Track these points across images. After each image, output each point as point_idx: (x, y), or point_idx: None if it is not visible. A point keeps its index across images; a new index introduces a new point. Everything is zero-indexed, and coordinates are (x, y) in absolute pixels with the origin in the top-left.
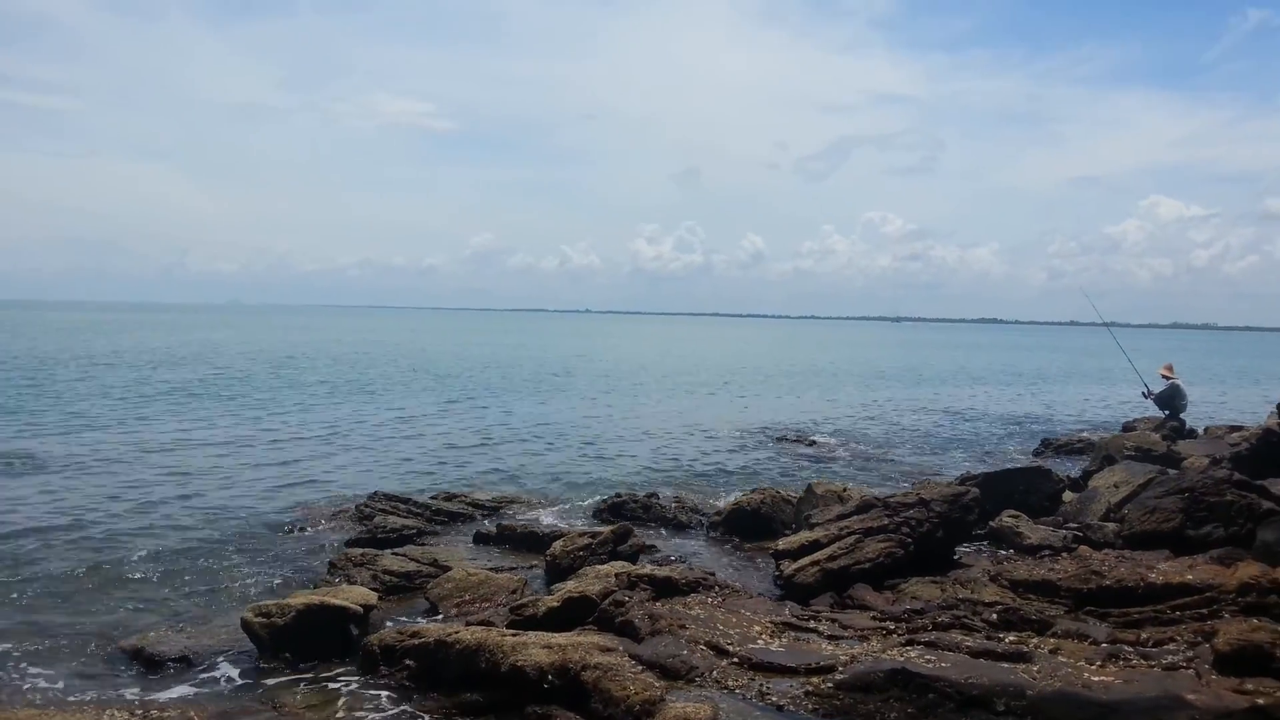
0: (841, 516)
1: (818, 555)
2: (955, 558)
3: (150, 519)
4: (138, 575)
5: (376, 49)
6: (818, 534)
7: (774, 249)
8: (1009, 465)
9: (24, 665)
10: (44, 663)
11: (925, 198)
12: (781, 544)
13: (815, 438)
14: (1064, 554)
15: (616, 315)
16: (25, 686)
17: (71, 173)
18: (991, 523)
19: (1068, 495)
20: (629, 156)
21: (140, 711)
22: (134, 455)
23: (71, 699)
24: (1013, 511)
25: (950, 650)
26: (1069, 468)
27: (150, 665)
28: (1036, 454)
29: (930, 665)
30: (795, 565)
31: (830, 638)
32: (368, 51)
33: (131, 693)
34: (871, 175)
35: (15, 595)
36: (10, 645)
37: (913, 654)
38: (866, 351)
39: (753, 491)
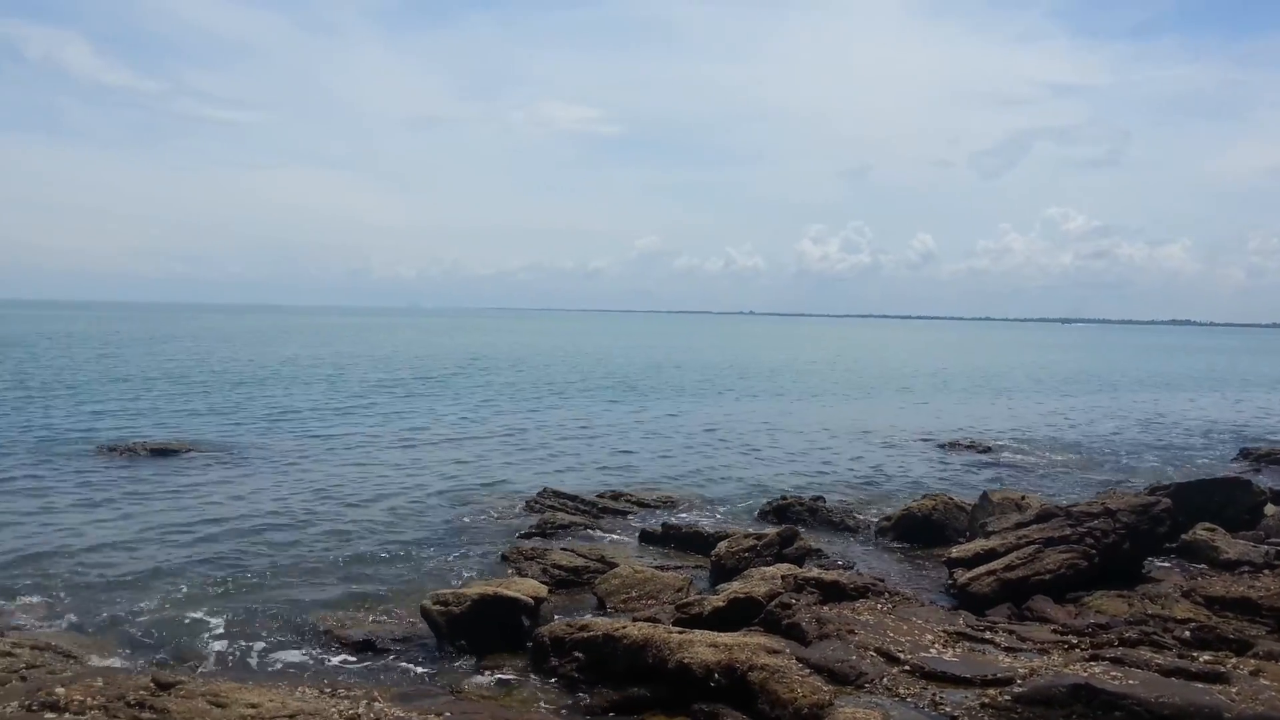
0: (1020, 525)
1: (994, 565)
2: (1144, 571)
3: (335, 510)
4: (324, 562)
5: (546, 57)
6: (994, 543)
7: (946, 248)
8: (1204, 476)
9: (223, 643)
10: (241, 641)
11: (1110, 193)
12: (955, 552)
13: (990, 443)
14: (1265, 571)
15: (780, 317)
16: (226, 662)
17: (262, 184)
18: (1184, 536)
19: (1270, 509)
20: (796, 156)
21: (329, 689)
22: (324, 452)
23: (267, 675)
24: (1208, 524)
25: (1138, 668)
26: (1272, 480)
27: (336, 647)
28: (1235, 464)
29: (1116, 682)
30: (970, 574)
31: (1008, 650)
32: (538, 60)
33: (320, 671)
34: (1050, 170)
35: (211, 579)
36: (209, 625)
37: (1097, 670)
38: (1046, 354)
39: (924, 497)
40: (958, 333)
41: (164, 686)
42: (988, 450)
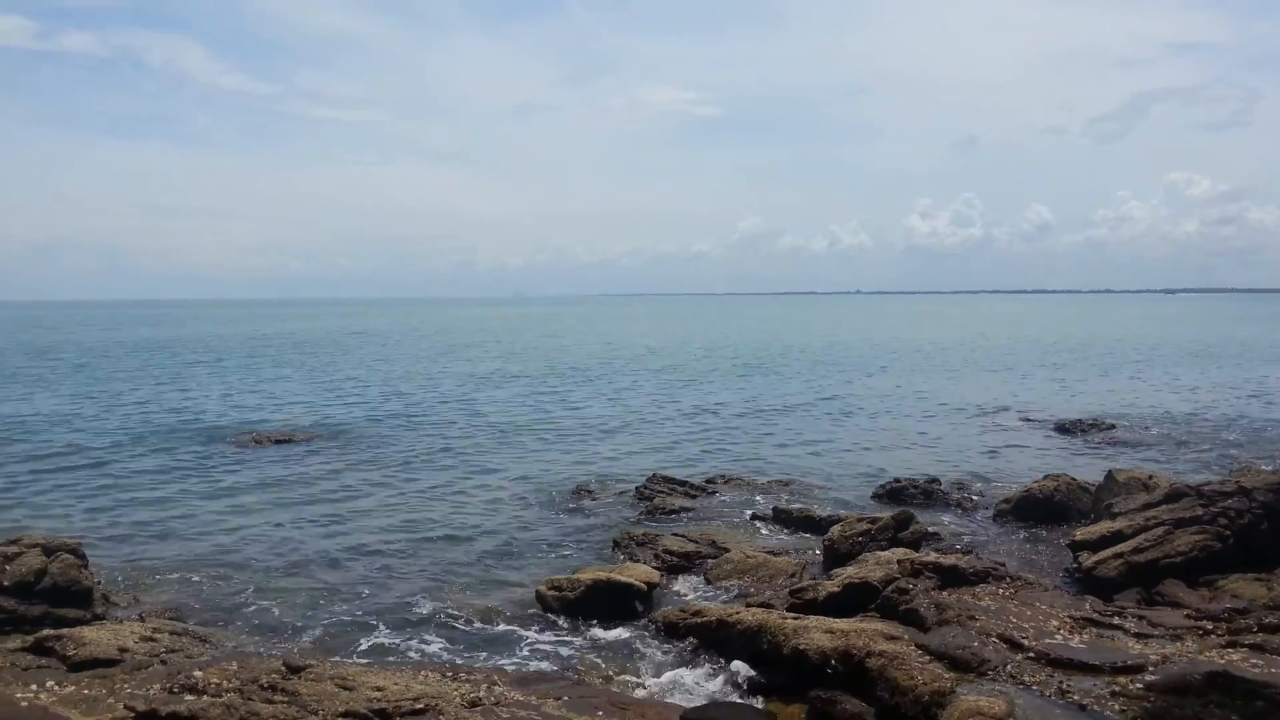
0: (1148, 506)
1: (1121, 547)
2: None
3: (452, 498)
4: (443, 549)
5: (642, 41)
6: (1120, 524)
7: (1062, 219)
8: None
9: (346, 629)
10: (367, 626)
11: (1238, 155)
12: (1079, 534)
13: (1114, 421)
14: None
15: (888, 295)
16: (351, 647)
17: (370, 180)
18: None
19: None
20: (901, 129)
21: (450, 674)
22: (443, 441)
23: (390, 659)
24: None
25: None
26: None
27: (455, 631)
28: None
29: (1257, 670)
30: (1095, 557)
31: (1138, 635)
32: (634, 44)
33: (441, 655)
34: (1173, 133)
35: (334, 566)
36: (334, 611)
37: (1235, 657)
38: (1169, 327)
39: (1045, 478)
40: (1075, 306)
41: (294, 670)
42: (1110, 428)
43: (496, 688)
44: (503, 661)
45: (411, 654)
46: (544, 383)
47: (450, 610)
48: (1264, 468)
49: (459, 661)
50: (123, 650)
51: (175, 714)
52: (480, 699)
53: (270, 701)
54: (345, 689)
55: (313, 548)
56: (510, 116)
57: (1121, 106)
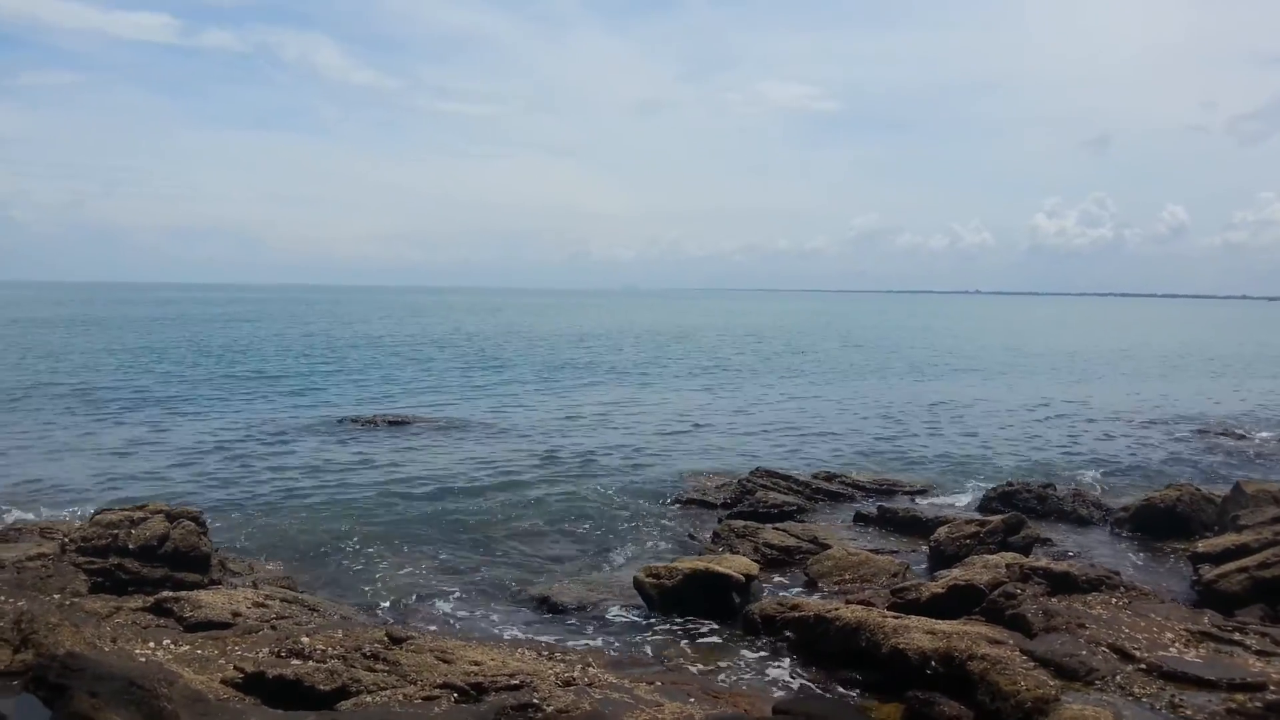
0: (1277, 520)
1: (1246, 561)
2: None
3: (554, 482)
4: (543, 532)
5: (762, 37)
6: (1246, 538)
7: (1198, 221)
8: None
9: (448, 604)
10: (467, 602)
11: None
12: (1202, 546)
13: (1245, 431)
14: None
15: (1009, 296)
16: (452, 622)
17: (490, 173)
18: None
19: None
20: (1028, 126)
21: (546, 652)
22: (549, 426)
23: (489, 636)
24: None
25: None
26: None
27: (553, 612)
28: None
29: None
30: (1218, 571)
31: (1259, 653)
32: (754, 40)
33: (538, 635)
34: None
35: (439, 543)
36: (438, 586)
37: None
38: None
39: (1168, 487)
40: (1211, 311)
41: (396, 641)
42: (1241, 438)
43: (591, 669)
44: (598, 644)
45: (510, 632)
46: (649, 368)
47: (550, 592)
48: None
49: (555, 642)
50: (235, 614)
51: (281, 677)
52: (574, 679)
53: (372, 670)
54: (444, 661)
55: (420, 525)
56: (628, 112)
57: (1267, 104)
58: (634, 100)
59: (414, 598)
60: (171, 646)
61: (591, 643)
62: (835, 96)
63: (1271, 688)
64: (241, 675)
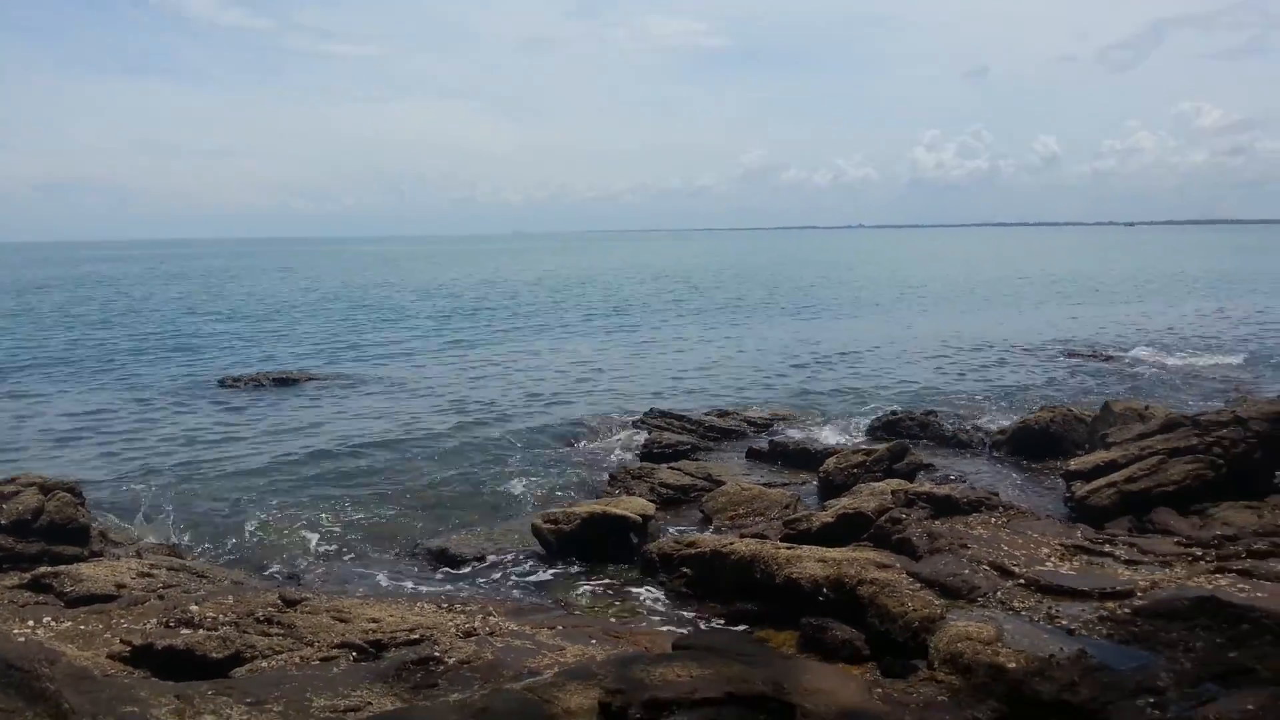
0: (1143, 436)
1: (1114, 476)
2: (1275, 481)
3: (447, 434)
4: (438, 484)
5: None
6: (1115, 454)
7: (1070, 150)
8: None
9: (347, 561)
10: (363, 560)
11: (1251, 84)
12: (1073, 464)
13: (1112, 352)
14: None
15: (892, 229)
16: (348, 580)
17: (374, 117)
18: None
19: None
20: (909, 61)
21: (445, 604)
22: (436, 377)
23: (387, 592)
24: None
25: (1268, 580)
26: None
27: (452, 564)
28: None
29: (1244, 594)
30: (1089, 486)
31: (1128, 562)
32: None
33: (437, 587)
34: (1186, 62)
35: (333, 501)
36: (333, 545)
37: (1223, 582)
38: (1173, 259)
39: (1041, 409)
40: (1080, 239)
41: (290, 603)
42: (1109, 359)
43: (491, 618)
44: (498, 593)
45: (408, 587)
46: (542, 315)
47: (449, 544)
48: (1261, 397)
49: (455, 593)
50: (120, 586)
51: (171, 648)
52: (475, 629)
53: (266, 634)
54: (341, 620)
55: (312, 484)
56: (516, 51)
57: (1136, 34)
58: (522, 38)
59: (308, 558)
60: (52, 624)
61: (492, 592)
62: (723, 33)
63: (1138, 594)
64: (129, 649)
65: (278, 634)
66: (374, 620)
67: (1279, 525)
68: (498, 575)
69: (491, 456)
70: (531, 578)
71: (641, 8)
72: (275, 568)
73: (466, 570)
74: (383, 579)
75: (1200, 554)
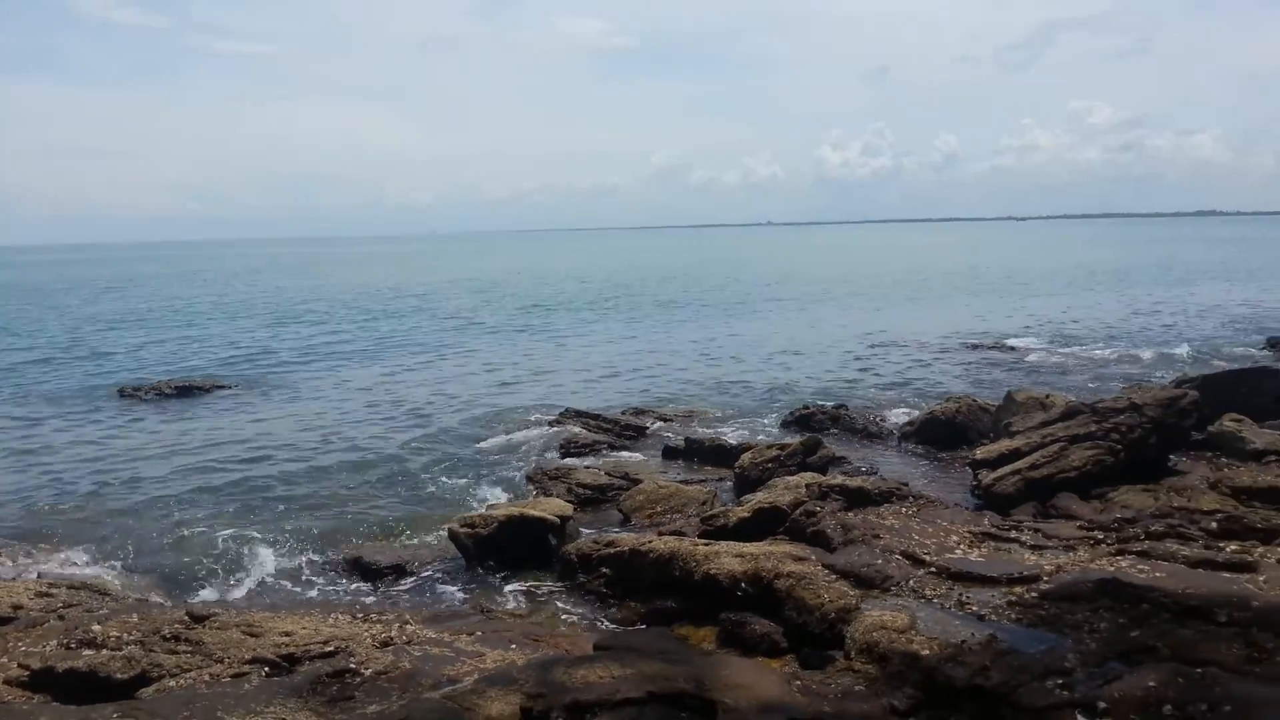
0: (1044, 424)
1: (1019, 464)
2: (1170, 465)
3: (360, 441)
4: (351, 492)
5: None
6: (1018, 442)
7: (969, 148)
8: (1231, 367)
9: (256, 574)
10: (275, 571)
11: (1138, 83)
12: (979, 453)
13: (1013, 343)
14: None
15: (799, 226)
16: (259, 593)
17: (276, 117)
18: (1211, 428)
19: None
20: (814, 61)
21: (361, 614)
22: (348, 384)
23: (300, 604)
24: (1235, 415)
25: (1165, 560)
26: None
27: (368, 572)
28: (1262, 353)
29: (1143, 575)
30: (994, 475)
31: (1033, 547)
32: None
33: (353, 597)
34: (1078, 62)
35: (242, 512)
36: (242, 558)
37: (1124, 564)
38: (1069, 251)
39: (947, 400)
40: (980, 234)
41: (198, 619)
42: (1011, 350)
43: (409, 626)
44: (416, 600)
45: (322, 597)
46: (456, 317)
47: (361, 553)
48: (1154, 384)
49: (371, 603)
50: (16, 608)
51: (72, 670)
52: (392, 638)
53: (173, 652)
54: (252, 635)
55: (219, 494)
56: (419, 50)
57: (1030, 34)
58: (423, 37)
59: (217, 571)
60: None
61: (409, 600)
62: (629, 33)
63: (1044, 578)
64: (28, 673)
65: (186, 651)
66: (286, 633)
67: (1174, 507)
68: (415, 582)
69: (407, 461)
70: (449, 584)
71: (546, 8)
72: (182, 582)
73: (383, 578)
74: (296, 590)
75: (1101, 537)
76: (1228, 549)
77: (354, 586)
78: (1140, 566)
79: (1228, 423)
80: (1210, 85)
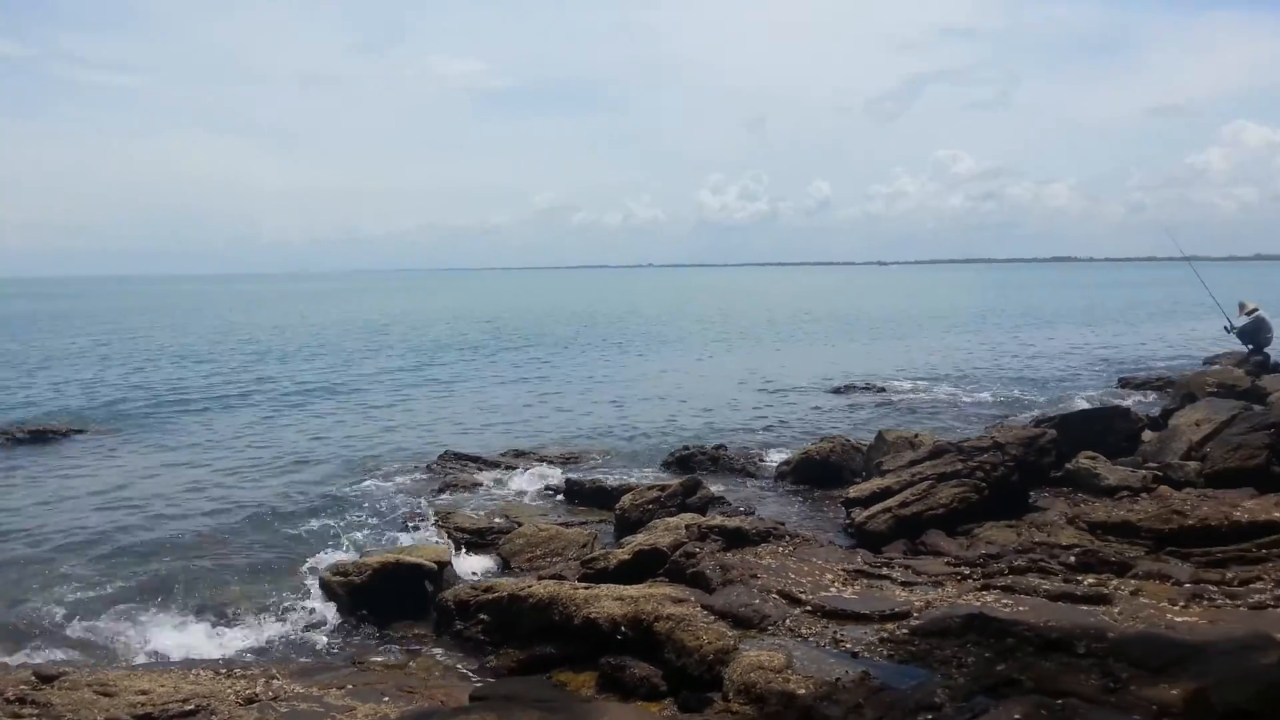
0: (913, 463)
1: (889, 502)
2: (1031, 501)
3: (228, 486)
4: (217, 540)
5: (431, 8)
6: (889, 481)
7: (842, 194)
8: (1085, 406)
9: (114, 629)
10: (133, 626)
11: (999, 134)
12: (852, 492)
13: (884, 385)
14: (1143, 495)
15: (679, 269)
16: (114, 650)
17: (146, 150)
18: (1068, 465)
19: (1147, 435)
20: (694, 106)
21: (224, 670)
22: (214, 427)
23: (159, 660)
24: (1090, 453)
25: (1027, 594)
26: (1148, 407)
27: (233, 625)
28: (1113, 394)
29: (1008, 609)
30: (867, 513)
31: (904, 584)
32: (424, 12)
33: (216, 652)
34: (943, 113)
35: (103, 562)
36: (100, 611)
37: (989, 598)
38: (935, 296)
39: (822, 440)
40: (851, 277)
41: (46, 679)
42: (882, 391)
43: (275, 681)
44: (283, 654)
45: (182, 652)
46: (334, 358)
47: (227, 603)
48: (1015, 423)
49: (235, 656)
50: None
51: None
52: (257, 694)
53: (18, 715)
54: (105, 695)
55: (69, 544)
56: (297, 86)
57: (899, 87)
58: (302, 73)
59: (68, 628)
60: None
61: (276, 653)
62: (507, 73)
63: (915, 614)
64: None
65: (32, 714)
66: (143, 692)
67: (1035, 542)
68: (283, 634)
69: (278, 507)
70: (320, 635)
71: (426, 48)
72: (30, 641)
73: (250, 631)
74: (155, 646)
75: (968, 572)
76: (1085, 582)
77: (218, 640)
78: (1005, 601)
79: (1083, 460)
80: (1064, 138)
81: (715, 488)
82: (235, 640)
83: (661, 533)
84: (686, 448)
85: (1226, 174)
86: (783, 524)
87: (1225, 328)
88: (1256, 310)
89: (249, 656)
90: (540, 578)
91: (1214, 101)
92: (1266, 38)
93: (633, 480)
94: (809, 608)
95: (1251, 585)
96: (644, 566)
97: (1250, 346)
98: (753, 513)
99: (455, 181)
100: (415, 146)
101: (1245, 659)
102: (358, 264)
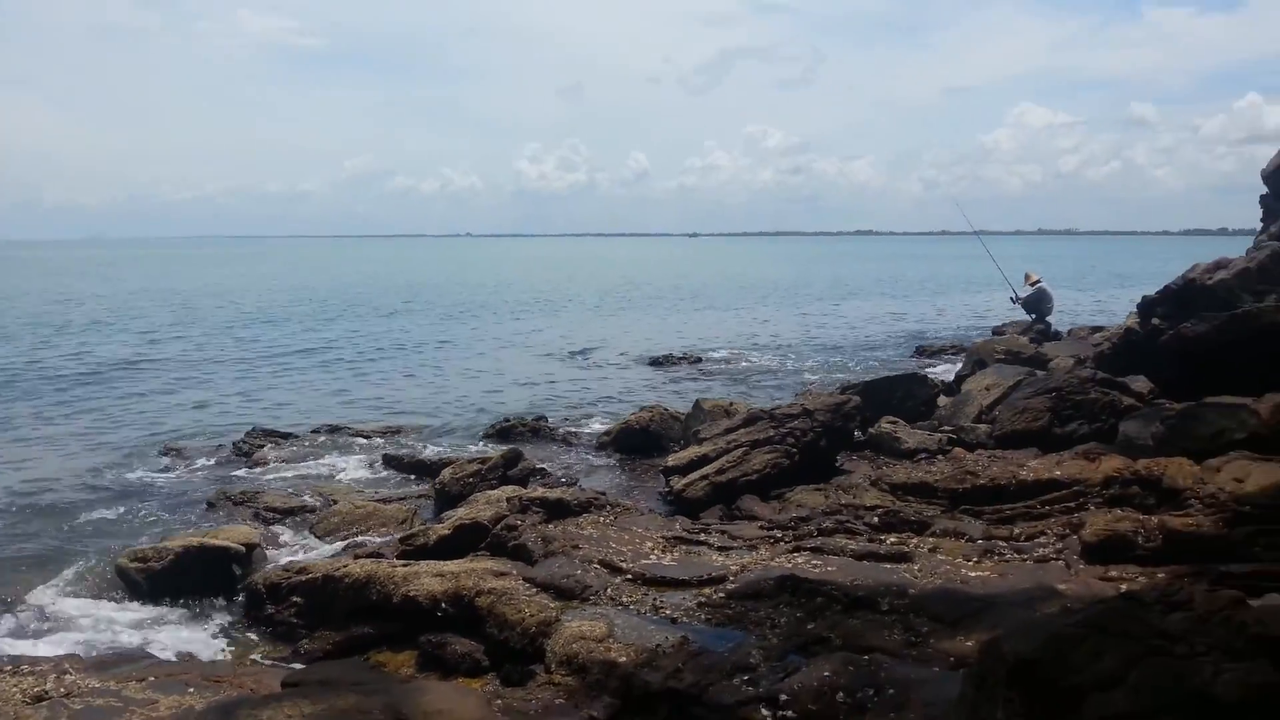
0: (729, 430)
1: (706, 470)
2: (838, 465)
3: (15, 472)
4: (3, 532)
5: None
6: (706, 449)
7: (658, 166)
8: (887, 373)
9: None
10: None
11: (807, 111)
12: (670, 460)
13: (701, 355)
14: (940, 456)
15: (498, 238)
16: None
17: None
18: (871, 430)
19: (942, 400)
20: (511, 73)
21: (10, 667)
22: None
23: None
24: (891, 418)
25: (835, 555)
26: (943, 373)
27: (19, 618)
28: (912, 360)
29: (817, 570)
30: (684, 480)
31: (720, 549)
32: None
33: (4, 650)
34: (754, 89)
35: None
36: None
37: (800, 560)
38: (748, 268)
39: (641, 409)
40: (668, 249)
41: None
42: (699, 361)
43: (68, 676)
44: (78, 647)
45: None
46: (127, 330)
47: (13, 598)
48: (823, 390)
49: (22, 652)
50: None
51: None
52: (48, 691)
53: None
54: None
55: None
56: (82, 39)
57: (711, 61)
58: (88, 25)
59: None
60: None
61: (70, 646)
62: (320, 33)
63: (731, 578)
64: None
65: None
66: None
67: (842, 504)
68: (78, 626)
69: (72, 491)
70: (118, 625)
71: (227, 1)
72: None
73: (39, 624)
74: None
75: (780, 535)
76: (888, 541)
77: (8, 636)
78: (814, 562)
79: (885, 424)
80: (867, 115)
81: (537, 459)
82: (24, 635)
83: (482, 506)
84: (507, 420)
85: (1013, 153)
86: (604, 494)
87: (1011, 298)
88: (1039, 281)
89: (38, 651)
90: (357, 556)
91: (1001, 84)
92: (1050, 23)
93: (452, 454)
94: (630, 576)
95: (1036, 540)
96: (465, 541)
97: (1034, 315)
98: (574, 483)
99: (263, 144)
100: (219, 106)
101: (1031, 610)
102: (157, 230)
